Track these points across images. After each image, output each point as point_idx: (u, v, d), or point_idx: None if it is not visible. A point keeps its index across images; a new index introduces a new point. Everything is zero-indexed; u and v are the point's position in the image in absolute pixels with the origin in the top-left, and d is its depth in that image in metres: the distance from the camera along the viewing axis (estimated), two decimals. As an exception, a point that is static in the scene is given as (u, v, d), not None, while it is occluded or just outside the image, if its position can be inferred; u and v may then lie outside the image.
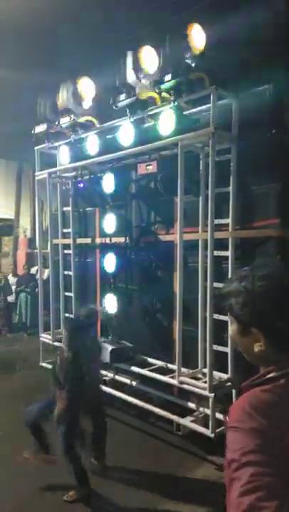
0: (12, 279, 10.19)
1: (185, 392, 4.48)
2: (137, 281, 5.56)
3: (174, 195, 4.53)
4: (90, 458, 3.90)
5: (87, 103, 5.41)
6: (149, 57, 4.34)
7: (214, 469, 3.96)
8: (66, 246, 6.41)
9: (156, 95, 4.45)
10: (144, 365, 5.07)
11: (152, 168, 4.74)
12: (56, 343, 6.06)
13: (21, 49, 6.30)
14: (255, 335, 1.15)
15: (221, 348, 4.32)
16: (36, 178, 6.47)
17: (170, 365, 4.81)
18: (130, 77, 4.47)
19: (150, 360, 5.13)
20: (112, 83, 4.71)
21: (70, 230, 6.26)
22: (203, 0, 4.20)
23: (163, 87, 4.20)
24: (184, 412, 4.55)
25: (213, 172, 3.98)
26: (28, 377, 6.36)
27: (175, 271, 4.60)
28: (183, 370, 4.41)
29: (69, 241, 6.28)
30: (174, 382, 4.40)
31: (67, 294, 6.37)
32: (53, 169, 6.16)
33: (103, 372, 5.62)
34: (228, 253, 4.30)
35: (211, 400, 4.01)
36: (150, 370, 4.87)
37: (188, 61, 4.05)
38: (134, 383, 5.15)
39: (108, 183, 5.18)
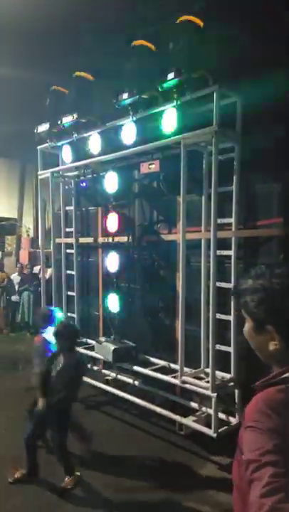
0: (17, 278, 10.20)
1: (187, 391, 4.47)
2: (139, 281, 5.56)
3: (177, 195, 4.52)
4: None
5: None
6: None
7: (217, 469, 3.95)
8: (69, 245, 6.42)
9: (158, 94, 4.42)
10: (147, 364, 5.06)
11: (155, 167, 4.73)
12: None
13: (24, 48, 6.31)
14: (270, 333, 1.14)
15: (223, 348, 4.30)
16: (39, 177, 6.47)
17: (172, 365, 4.81)
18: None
19: (153, 359, 5.13)
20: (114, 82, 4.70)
21: (72, 230, 6.27)
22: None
23: (166, 85, 4.18)
24: (187, 411, 4.54)
25: (216, 171, 3.97)
26: (31, 376, 6.35)
27: (178, 270, 4.59)
28: (185, 369, 4.40)
29: (72, 240, 6.29)
30: (177, 381, 4.39)
31: (69, 293, 6.38)
32: (56, 168, 6.16)
33: (105, 371, 5.65)
34: (231, 252, 4.29)
35: (213, 400, 3.99)
36: (153, 370, 4.86)
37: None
38: (136, 383, 5.14)
39: (111, 183, 5.17)
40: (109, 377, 5.63)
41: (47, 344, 3.93)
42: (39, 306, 6.88)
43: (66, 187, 6.43)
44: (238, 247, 4.30)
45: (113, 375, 5.53)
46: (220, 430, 4.01)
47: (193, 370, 4.51)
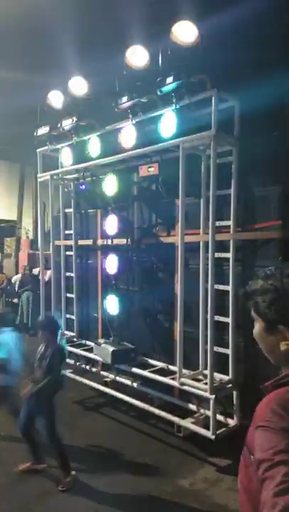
0: (17, 278, 10.18)
1: (186, 393, 4.49)
2: (138, 283, 5.58)
3: (176, 197, 4.55)
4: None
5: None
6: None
7: (215, 471, 3.96)
8: (68, 247, 6.44)
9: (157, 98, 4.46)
10: (145, 366, 5.07)
11: (154, 170, 4.75)
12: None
13: (24, 50, 6.33)
14: (282, 333, 1.15)
15: (221, 350, 4.32)
16: (39, 179, 6.50)
17: (171, 367, 4.82)
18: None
19: (151, 361, 5.14)
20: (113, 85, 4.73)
21: (71, 232, 6.29)
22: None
23: (164, 89, 4.21)
24: (185, 413, 4.55)
25: (214, 174, 4.00)
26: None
27: (176, 273, 4.61)
28: (184, 371, 4.41)
29: (71, 242, 6.31)
30: (175, 383, 4.41)
31: (68, 295, 6.40)
32: (55, 171, 6.19)
33: (104, 373, 5.66)
34: (229, 255, 4.31)
35: (211, 402, 4.00)
36: (151, 372, 4.87)
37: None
38: (135, 384, 5.15)
39: (110, 185, 5.20)
40: (108, 379, 5.64)
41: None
42: (38, 307, 6.90)
43: (66, 189, 6.46)
44: (236, 249, 4.32)
45: (112, 376, 5.54)
46: (218, 432, 4.02)
47: (192, 372, 4.52)
